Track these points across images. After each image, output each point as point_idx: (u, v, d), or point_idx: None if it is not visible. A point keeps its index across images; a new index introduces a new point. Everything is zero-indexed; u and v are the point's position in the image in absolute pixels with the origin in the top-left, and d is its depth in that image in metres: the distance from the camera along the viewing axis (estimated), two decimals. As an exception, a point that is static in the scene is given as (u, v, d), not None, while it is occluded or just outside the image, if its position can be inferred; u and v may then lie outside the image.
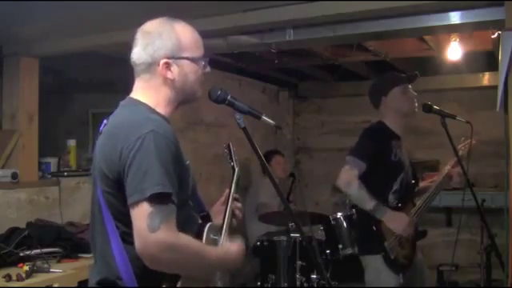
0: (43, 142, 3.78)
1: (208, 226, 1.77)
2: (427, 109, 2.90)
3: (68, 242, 3.14)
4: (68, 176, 3.80)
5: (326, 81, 6.02)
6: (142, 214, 1.49)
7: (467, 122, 2.86)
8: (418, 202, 3.08)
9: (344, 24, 3.08)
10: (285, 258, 3.92)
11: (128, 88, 1.78)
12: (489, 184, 5.07)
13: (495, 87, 2.56)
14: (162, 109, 1.72)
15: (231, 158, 2.25)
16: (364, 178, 2.91)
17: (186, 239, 1.56)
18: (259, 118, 1.79)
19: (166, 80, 1.71)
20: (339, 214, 3.32)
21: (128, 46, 1.76)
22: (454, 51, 4.15)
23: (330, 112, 6.27)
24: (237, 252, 1.75)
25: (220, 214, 1.96)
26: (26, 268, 2.65)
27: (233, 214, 1.98)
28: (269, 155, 4.96)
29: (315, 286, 3.78)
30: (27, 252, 2.88)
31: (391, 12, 2.86)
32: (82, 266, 2.82)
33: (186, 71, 1.72)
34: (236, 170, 2.18)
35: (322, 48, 4.38)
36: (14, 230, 3.04)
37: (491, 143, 4.24)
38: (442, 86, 5.38)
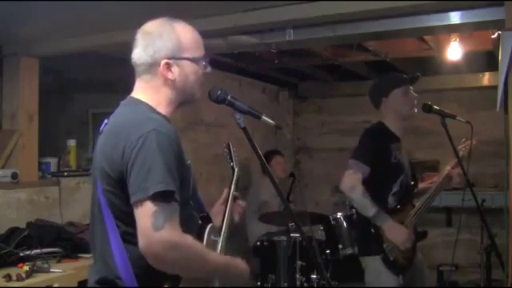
0: (43, 142, 3.78)
1: (209, 227, 1.77)
2: (427, 109, 2.90)
3: (68, 241, 3.14)
4: (68, 176, 3.80)
5: (326, 81, 6.02)
6: (145, 213, 1.49)
7: (467, 122, 2.86)
8: (418, 203, 3.07)
9: (344, 24, 3.08)
10: (285, 258, 3.92)
11: (128, 88, 1.78)
12: (489, 184, 5.07)
13: (495, 87, 2.56)
14: (162, 109, 1.72)
15: (231, 157, 2.25)
16: (364, 180, 2.91)
17: (189, 240, 1.56)
18: (259, 118, 1.79)
19: (166, 80, 1.71)
20: (339, 214, 3.32)
21: (128, 46, 1.76)
22: (454, 51, 4.15)
23: (330, 112, 6.27)
24: (244, 269, 1.75)
25: (220, 214, 1.96)
26: (26, 268, 2.65)
27: (233, 213, 1.99)
28: (269, 155, 4.96)
29: (315, 286, 3.78)
30: (27, 252, 2.88)
31: (391, 12, 2.86)
32: (82, 266, 2.81)
33: (187, 71, 1.72)
34: (236, 170, 2.18)
35: (322, 48, 4.38)
36: (13, 230, 3.04)
37: (491, 143, 4.23)
38: (442, 86, 5.38)
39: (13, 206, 3.37)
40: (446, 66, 4.75)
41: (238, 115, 1.77)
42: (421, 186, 3.28)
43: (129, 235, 1.56)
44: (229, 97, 1.79)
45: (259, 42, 3.38)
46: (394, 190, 3.00)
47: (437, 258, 4.80)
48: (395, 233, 2.90)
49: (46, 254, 2.93)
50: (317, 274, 3.77)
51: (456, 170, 3.07)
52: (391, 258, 2.90)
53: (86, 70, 4.12)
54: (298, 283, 3.80)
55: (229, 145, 2.29)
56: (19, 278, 2.55)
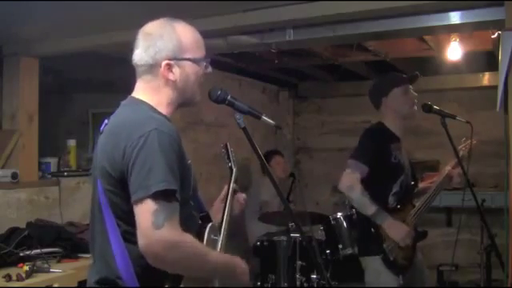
0: (43, 142, 3.78)
1: (209, 226, 1.77)
2: (427, 109, 2.90)
3: (68, 241, 3.14)
4: (68, 176, 3.80)
5: (326, 81, 6.02)
6: (146, 211, 1.49)
7: (467, 122, 2.86)
8: (418, 203, 3.07)
9: (344, 24, 3.08)
10: (285, 258, 3.92)
11: (128, 88, 1.78)
12: (489, 184, 5.07)
13: (495, 87, 2.56)
14: (163, 109, 1.72)
15: (229, 158, 2.25)
16: (364, 180, 2.91)
17: (189, 239, 1.56)
18: (259, 118, 1.79)
19: (167, 81, 1.71)
20: (339, 214, 3.32)
21: (128, 46, 1.76)
22: (454, 51, 4.15)
23: (330, 112, 6.27)
24: (243, 268, 1.74)
25: (220, 211, 1.96)
26: (26, 268, 2.65)
27: (233, 205, 1.99)
28: (268, 155, 4.95)
29: (315, 286, 3.78)
30: (27, 252, 2.88)
31: (391, 12, 2.86)
32: (82, 266, 2.81)
33: (188, 72, 1.72)
34: (234, 170, 2.18)
35: (322, 48, 4.38)
36: (13, 230, 3.04)
37: (491, 143, 4.23)
38: (442, 86, 5.38)
39: (13, 206, 3.37)
40: (445, 66, 4.75)
41: (237, 115, 1.77)
42: (421, 185, 3.28)
43: (129, 234, 1.56)
44: (229, 97, 1.79)
45: (259, 41, 3.38)
46: (394, 190, 3.00)
47: (437, 258, 4.80)
48: (395, 230, 2.90)
49: (46, 253, 2.93)
50: (317, 274, 3.77)
51: (456, 170, 3.07)
52: (391, 258, 2.90)
53: (86, 70, 4.12)
54: (298, 283, 3.80)
55: (226, 145, 2.29)
56: (19, 278, 2.55)
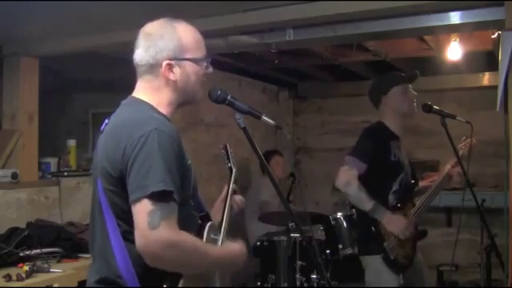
0: (43, 142, 3.79)
1: (208, 225, 1.77)
2: (427, 109, 2.90)
3: (68, 242, 3.14)
4: (68, 176, 3.80)
5: (326, 81, 6.02)
6: (143, 211, 1.49)
7: (467, 122, 2.86)
8: (418, 202, 3.07)
9: (344, 24, 3.08)
10: (285, 258, 3.92)
11: (128, 88, 1.78)
12: (489, 184, 5.07)
13: (495, 87, 2.56)
14: (163, 109, 1.72)
15: (228, 158, 2.25)
16: (363, 179, 2.91)
17: (187, 237, 1.56)
18: (259, 118, 1.79)
19: (168, 81, 1.71)
20: (339, 214, 3.32)
21: (128, 46, 1.77)
22: (454, 51, 4.15)
23: (330, 112, 6.27)
24: (239, 251, 1.75)
25: (220, 211, 1.97)
26: (26, 268, 2.65)
27: (232, 207, 2.00)
28: (268, 155, 4.95)
29: (315, 285, 3.78)
30: (27, 252, 2.88)
31: (391, 12, 2.86)
32: (82, 266, 2.81)
33: (189, 72, 1.72)
34: (233, 170, 2.18)
35: (322, 48, 4.38)
36: (13, 230, 3.04)
37: (491, 143, 4.24)
38: (442, 85, 5.38)
39: (13, 206, 3.37)
40: (446, 66, 4.75)
41: (237, 115, 1.77)
42: (421, 184, 3.29)
43: (130, 234, 1.55)
44: (229, 97, 1.79)
45: (259, 41, 3.38)
46: (394, 188, 3.01)
47: (437, 258, 4.79)
48: (394, 223, 2.90)
49: (46, 253, 2.93)
50: (317, 274, 3.77)
51: (456, 169, 3.07)
52: (392, 257, 2.90)
53: (86, 70, 4.12)
54: (298, 283, 3.80)
55: (226, 146, 2.29)
56: (19, 278, 2.56)
